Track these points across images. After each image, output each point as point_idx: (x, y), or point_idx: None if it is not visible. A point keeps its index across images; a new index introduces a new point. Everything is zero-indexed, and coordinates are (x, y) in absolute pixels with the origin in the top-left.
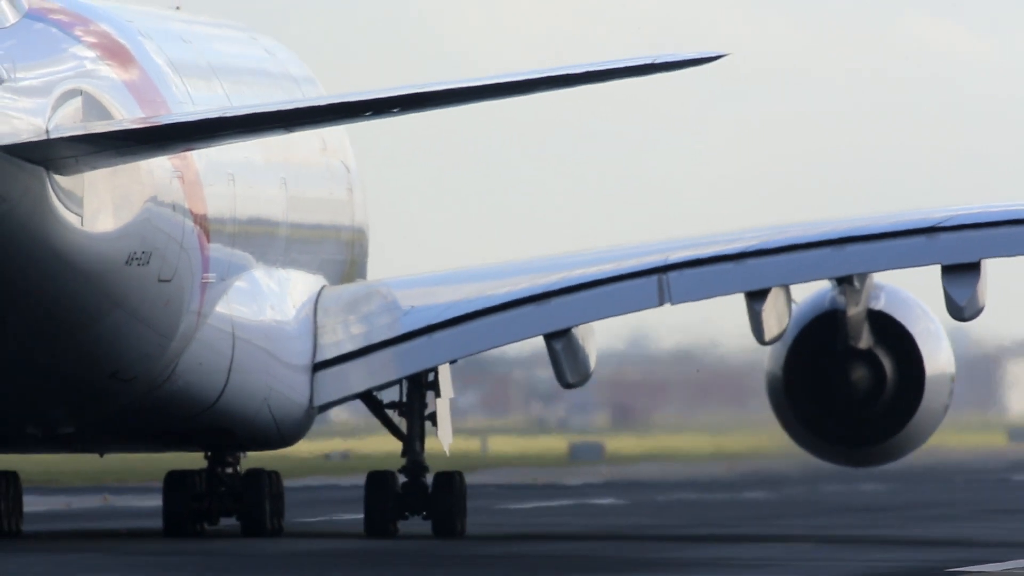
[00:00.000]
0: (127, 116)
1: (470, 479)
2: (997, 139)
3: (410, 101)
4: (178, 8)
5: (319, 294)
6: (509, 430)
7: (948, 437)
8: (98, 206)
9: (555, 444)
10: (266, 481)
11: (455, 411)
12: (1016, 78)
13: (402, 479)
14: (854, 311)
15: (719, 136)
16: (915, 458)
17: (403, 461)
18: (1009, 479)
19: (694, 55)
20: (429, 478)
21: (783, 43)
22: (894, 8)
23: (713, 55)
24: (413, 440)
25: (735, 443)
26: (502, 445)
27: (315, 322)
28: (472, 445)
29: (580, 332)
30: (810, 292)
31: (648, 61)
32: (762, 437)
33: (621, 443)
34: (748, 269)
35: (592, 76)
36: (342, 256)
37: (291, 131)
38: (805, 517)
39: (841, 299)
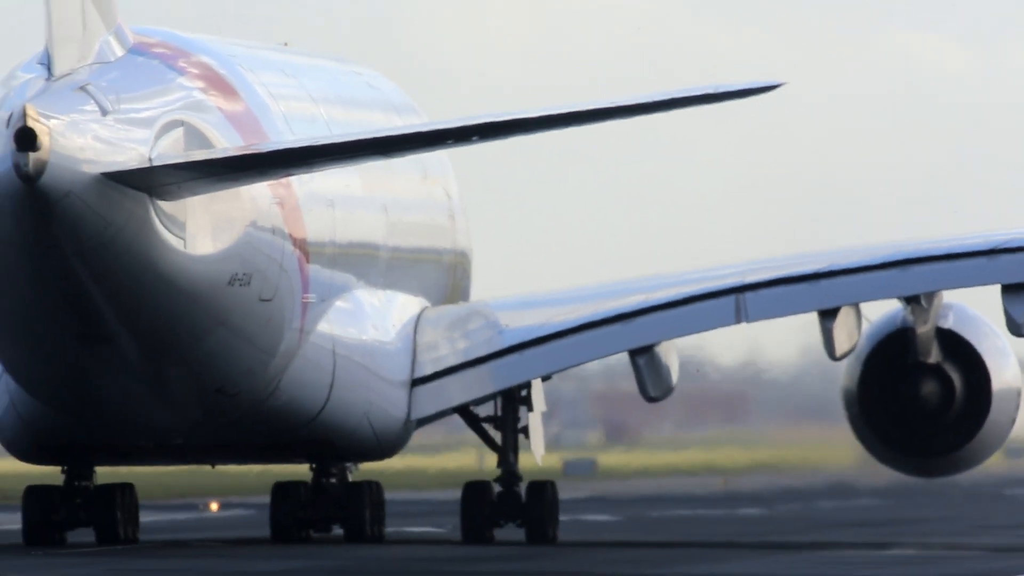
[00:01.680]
0: (227, 145)
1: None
2: (989, 149)
3: (488, 130)
4: (286, 44)
5: (420, 314)
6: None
7: None
8: (200, 230)
9: (548, 460)
10: (367, 491)
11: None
12: (1001, 88)
13: (497, 489)
14: (923, 329)
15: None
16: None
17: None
18: (1003, 494)
19: (752, 85)
20: (523, 487)
21: (774, 60)
22: (878, 22)
23: (771, 84)
24: (507, 451)
25: (728, 459)
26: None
27: (415, 340)
28: (469, 460)
29: (662, 349)
30: (883, 311)
31: (709, 91)
32: (756, 453)
33: (614, 459)
34: (820, 289)
35: (657, 106)
36: (443, 279)
37: (383, 158)
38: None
39: (911, 317)
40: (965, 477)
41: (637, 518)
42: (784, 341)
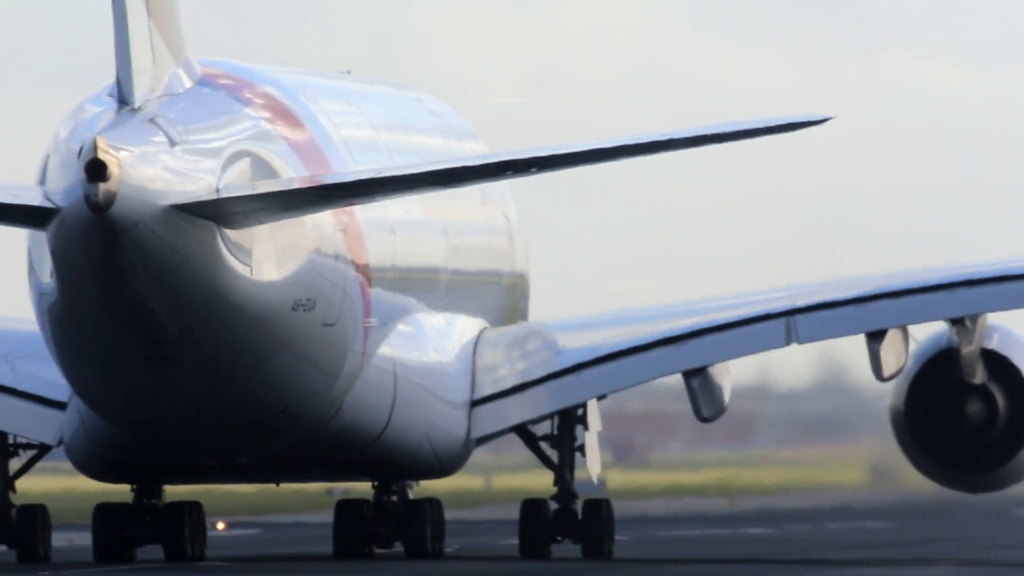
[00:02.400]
0: (292, 175)
1: (474, 514)
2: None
3: (545, 162)
4: (349, 72)
5: (479, 335)
6: (512, 467)
7: None
8: (266, 257)
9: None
10: (427, 508)
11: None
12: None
13: (554, 506)
14: (968, 350)
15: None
16: (916, 493)
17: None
18: (1008, 513)
19: (802, 119)
20: (579, 505)
21: (776, 80)
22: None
23: (819, 118)
24: (564, 470)
25: (737, 479)
26: (505, 482)
27: (474, 361)
28: (475, 483)
29: (715, 370)
30: (929, 332)
31: (760, 125)
32: (764, 474)
33: (622, 479)
34: (868, 312)
35: (710, 139)
36: (502, 300)
37: (443, 188)
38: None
39: (957, 339)
40: (975, 497)
41: (645, 538)
42: (792, 361)
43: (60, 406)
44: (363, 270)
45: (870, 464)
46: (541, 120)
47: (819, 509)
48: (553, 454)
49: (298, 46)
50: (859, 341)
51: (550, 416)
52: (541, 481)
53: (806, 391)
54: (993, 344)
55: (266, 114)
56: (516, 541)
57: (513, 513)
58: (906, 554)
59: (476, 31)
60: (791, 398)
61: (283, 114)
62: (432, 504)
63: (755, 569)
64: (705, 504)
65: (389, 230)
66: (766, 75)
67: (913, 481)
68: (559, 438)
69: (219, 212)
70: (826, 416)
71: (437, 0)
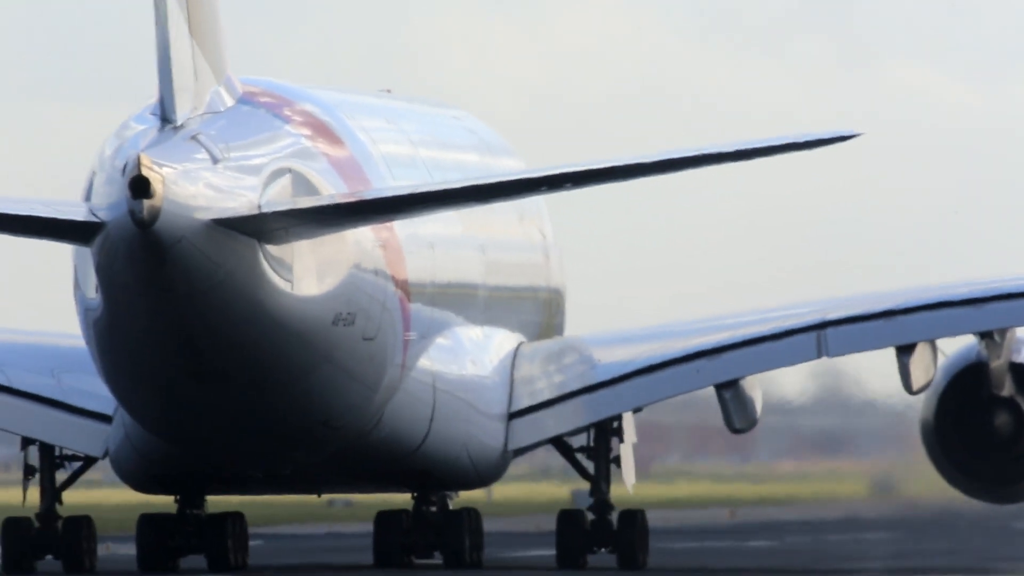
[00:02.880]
0: (332, 192)
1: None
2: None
3: (579, 177)
4: (389, 91)
5: (517, 349)
6: (512, 477)
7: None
8: (306, 272)
9: (557, 491)
10: (466, 518)
11: None
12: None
13: (590, 517)
14: (997, 363)
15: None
16: (918, 506)
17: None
18: (1009, 526)
19: (831, 134)
20: (615, 516)
21: (772, 92)
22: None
23: (848, 134)
24: (599, 481)
25: (737, 492)
26: (506, 492)
27: (512, 374)
28: (477, 493)
29: (747, 383)
30: (958, 346)
31: (790, 141)
32: (764, 486)
33: (622, 490)
34: (898, 325)
35: (742, 154)
36: (539, 315)
37: (480, 204)
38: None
39: (986, 352)
40: (975, 510)
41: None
42: (793, 374)
43: (106, 419)
44: (402, 285)
45: (871, 477)
46: (541, 131)
47: (821, 521)
48: (589, 465)
49: (297, 57)
50: (860, 354)
51: (586, 428)
52: (540, 492)
53: (807, 404)
54: (1022, 357)
55: (306, 131)
56: (530, 553)
57: (519, 525)
58: (908, 565)
59: (477, 41)
60: (792, 411)
61: (323, 131)
62: (471, 514)
63: None
64: (704, 516)
65: (428, 246)
66: (765, 86)
67: (915, 493)
68: (595, 450)
69: (261, 228)
70: (827, 429)
71: (437, 10)
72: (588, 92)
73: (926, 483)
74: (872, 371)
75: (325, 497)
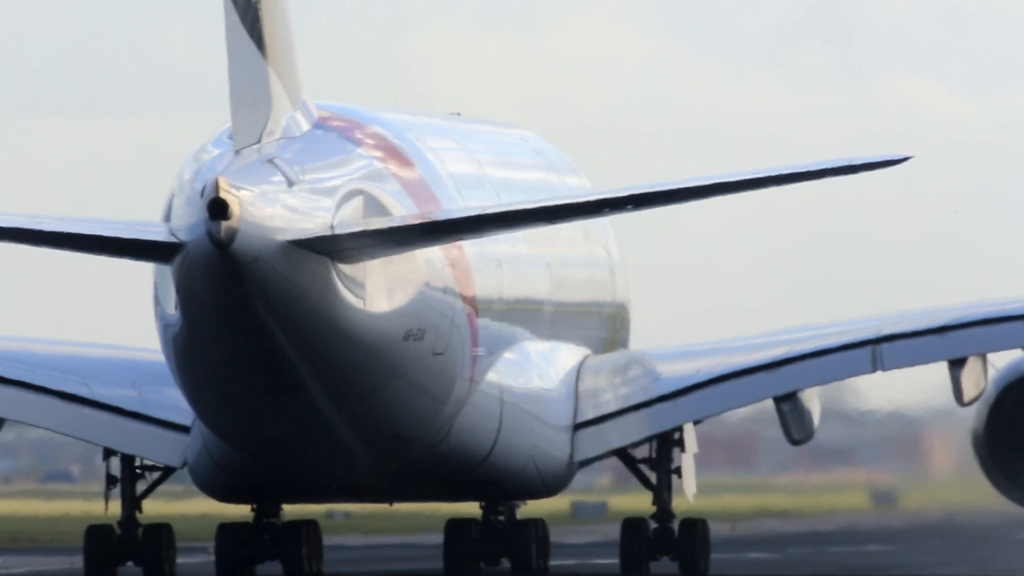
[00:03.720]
0: (403, 212)
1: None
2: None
3: (641, 199)
4: (459, 113)
5: (582, 363)
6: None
7: (951, 495)
8: (378, 289)
9: (558, 503)
10: (533, 527)
11: None
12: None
13: (652, 525)
14: None
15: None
16: (919, 518)
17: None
18: (1012, 537)
19: (883, 158)
20: (676, 524)
21: (772, 107)
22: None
23: (900, 157)
24: (661, 490)
25: (738, 503)
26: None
27: (577, 387)
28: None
29: (805, 395)
30: (1008, 359)
31: (844, 164)
32: (765, 498)
33: (624, 502)
34: (950, 340)
35: (796, 177)
36: (603, 330)
37: (546, 224)
38: None
39: None
40: (976, 521)
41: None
42: None
43: (184, 430)
44: (471, 301)
45: (872, 488)
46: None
47: (821, 533)
48: (651, 476)
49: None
50: None
51: (649, 440)
52: (547, 502)
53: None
54: None
55: (378, 154)
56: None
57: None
58: None
59: (473, 57)
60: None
61: (394, 153)
62: (537, 523)
63: None
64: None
65: (496, 263)
66: (763, 98)
67: (916, 505)
68: (657, 460)
69: (334, 248)
70: (827, 442)
71: (433, 25)
72: (586, 103)
73: (927, 494)
74: (872, 383)
75: (323, 508)
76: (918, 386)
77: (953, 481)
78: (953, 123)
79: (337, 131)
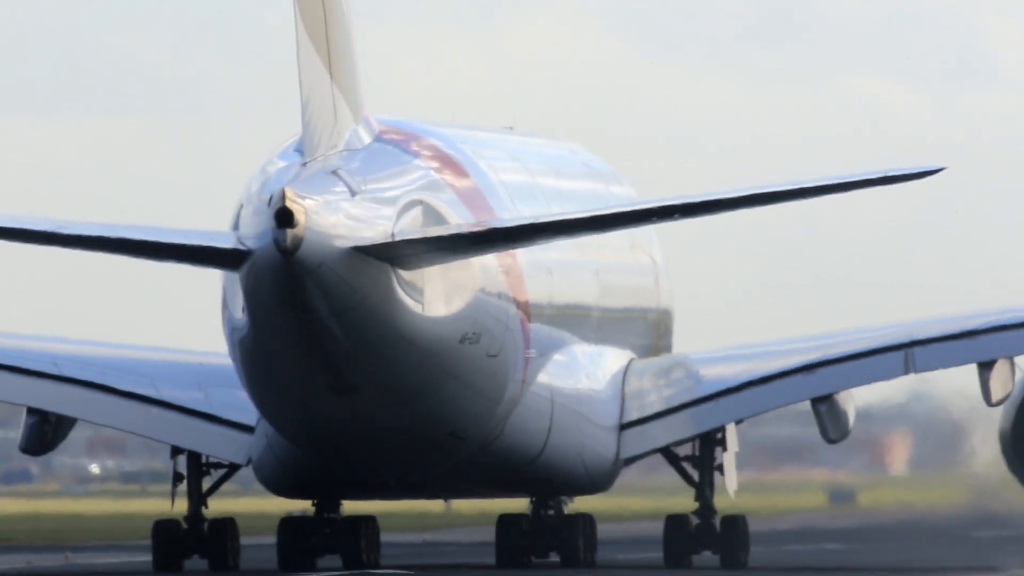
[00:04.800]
0: (459, 221)
1: (481, 536)
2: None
3: (687, 209)
4: (511, 127)
5: (627, 366)
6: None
7: (909, 494)
8: (436, 295)
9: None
10: (581, 522)
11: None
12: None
13: (695, 521)
14: None
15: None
16: (877, 516)
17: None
18: (971, 536)
19: (918, 169)
20: (717, 520)
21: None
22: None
23: (934, 168)
24: (704, 487)
25: (695, 503)
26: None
27: (623, 389)
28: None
29: (841, 397)
30: None
31: (881, 175)
32: (724, 498)
33: (587, 504)
34: (980, 344)
35: (835, 188)
36: (648, 334)
37: (595, 233)
38: None
39: None
40: (934, 520)
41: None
42: None
43: (248, 429)
44: (523, 307)
45: (829, 488)
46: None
47: (779, 532)
48: (694, 473)
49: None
50: None
51: (692, 439)
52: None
53: (766, 416)
54: None
55: (435, 165)
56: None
57: (475, 535)
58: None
59: (432, 60)
60: (751, 421)
61: (450, 164)
62: (585, 519)
63: None
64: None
65: (547, 270)
66: (719, 98)
67: (874, 503)
68: (700, 458)
69: (394, 254)
70: (785, 440)
71: (400, 28)
72: (548, 103)
73: (885, 493)
74: None
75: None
76: (876, 385)
77: (911, 480)
78: (910, 121)
79: (396, 144)
